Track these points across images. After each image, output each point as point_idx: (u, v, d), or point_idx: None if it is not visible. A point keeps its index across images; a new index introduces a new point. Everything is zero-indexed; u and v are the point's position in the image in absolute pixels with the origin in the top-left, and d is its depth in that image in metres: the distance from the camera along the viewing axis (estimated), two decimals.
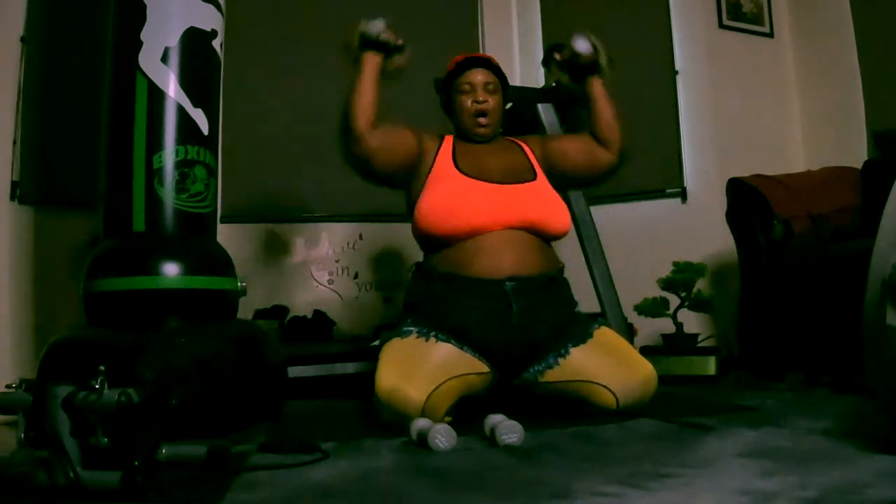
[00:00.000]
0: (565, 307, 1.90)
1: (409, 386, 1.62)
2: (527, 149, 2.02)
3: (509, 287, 1.78)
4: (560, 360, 1.78)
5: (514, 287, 1.78)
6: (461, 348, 1.74)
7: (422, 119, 3.00)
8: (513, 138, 2.09)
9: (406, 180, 1.94)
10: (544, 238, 1.89)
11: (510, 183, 1.88)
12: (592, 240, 2.59)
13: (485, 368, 1.76)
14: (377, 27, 1.81)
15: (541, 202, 1.89)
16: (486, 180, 1.86)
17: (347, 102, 1.84)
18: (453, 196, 1.84)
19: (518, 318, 1.77)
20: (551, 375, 1.79)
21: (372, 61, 1.84)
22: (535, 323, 1.79)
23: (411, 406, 1.59)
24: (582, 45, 1.92)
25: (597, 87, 1.96)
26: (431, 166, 1.91)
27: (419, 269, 1.92)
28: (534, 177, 1.94)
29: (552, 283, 1.88)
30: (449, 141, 1.99)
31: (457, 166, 1.89)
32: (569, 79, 2.00)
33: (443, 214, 1.82)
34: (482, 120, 1.96)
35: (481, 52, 3.47)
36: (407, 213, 1.95)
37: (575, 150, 2.01)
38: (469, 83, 1.96)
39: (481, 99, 1.95)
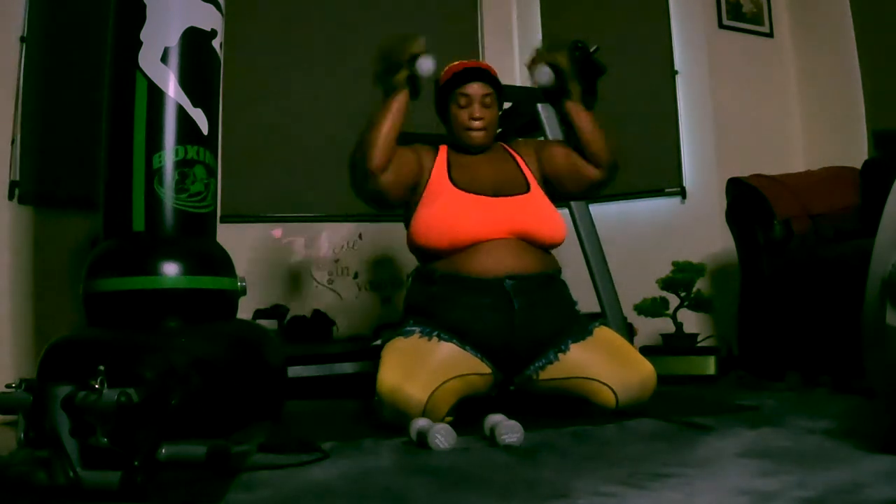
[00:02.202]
0: (566, 305, 1.90)
1: (410, 385, 1.62)
2: (519, 159, 2.01)
3: (509, 285, 1.78)
4: (560, 355, 1.78)
5: (515, 285, 1.79)
6: (463, 348, 1.74)
7: (418, 118, 3.00)
8: (506, 146, 2.08)
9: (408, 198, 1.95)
10: (539, 246, 1.89)
11: (503, 195, 1.88)
12: (592, 240, 2.59)
13: (487, 369, 1.76)
14: (429, 68, 1.78)
15: (533, 214, 1.88)
16: (479, 193, 1.86)
17: (367, 137, 1.82)
18: (448, 212, 1.84)
19: (520, 317, 1.77)
20: (551, 372, 1.79)
21: (405, 98, 1.84)
22: (536, 321, 1.79)
23: (413, 405, 1.59)
24: (541, 78, 1.91)
25: (569, 107, 1.94)
26: (427, 181, 1.92)
27: (419, 274, 1.93)
28: (526, 189, 1.93)
29: (552, 281, 1.89)
30: (444, 152, 1.99)
31: (451, 180, 1.90)
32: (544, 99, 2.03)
33: (438, 231, 1.83)
34: (477, 134, 1.95)
35: (481, 51, 3.48)
36: (403, 225, 1.97)
37: (563, 157, 1.99)
38: (466, 96, 1.93)
39: (478, 115, 1.93)
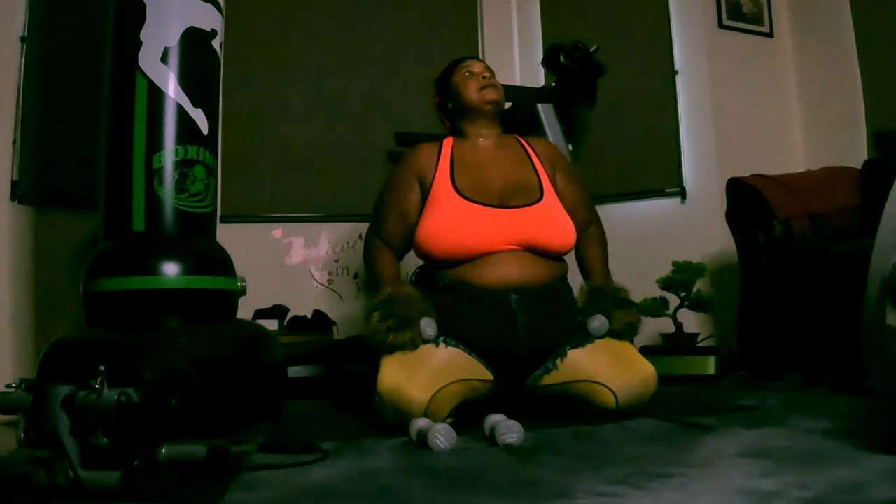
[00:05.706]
0: (569, 315, 1.85)
1: (412, 386, 1.61)
2: (534, 156, 1.99)
3: (514, 300, 1.77)
4: (558, 362, 1.78)
5: (519, 300, 1.77)
6: (467, 353, 1.73)
7: (418, 118, 3.00)
8: (520, 138, 2.05)
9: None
10: (547, 255, 1.86)
11: (513, 205, 1.84)
12: None
13: (489, 376, 1.75)
14: (430, 334, 1.72)
15: (543, 226, 1.84)
16: (486, 203, 1.83)
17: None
18: (451, 224, 1.82)
19: (523, 331, 1.76)
20: (552, 378, 1.78)
21: None
22: (540, 334, 1.78)
23: (414, 406, 1.59)
24: (595, 328, 1.80)
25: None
26: (430, 186, 1.90)
27: (422, 277, 1.92)
28: (540, 195, 1.89)
29: (556, 292, 1.87)
30: (448, 147, 1.97)
31: (455, 187, 1.87)
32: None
33: (442, 241, 1.81)
34: (491, 92, 1.99)
35: (481, 51, 3.48)
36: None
37: (566, 201, 1.96)
38: (469, 70, 2.03)
39: (486, 75, 2.01)
